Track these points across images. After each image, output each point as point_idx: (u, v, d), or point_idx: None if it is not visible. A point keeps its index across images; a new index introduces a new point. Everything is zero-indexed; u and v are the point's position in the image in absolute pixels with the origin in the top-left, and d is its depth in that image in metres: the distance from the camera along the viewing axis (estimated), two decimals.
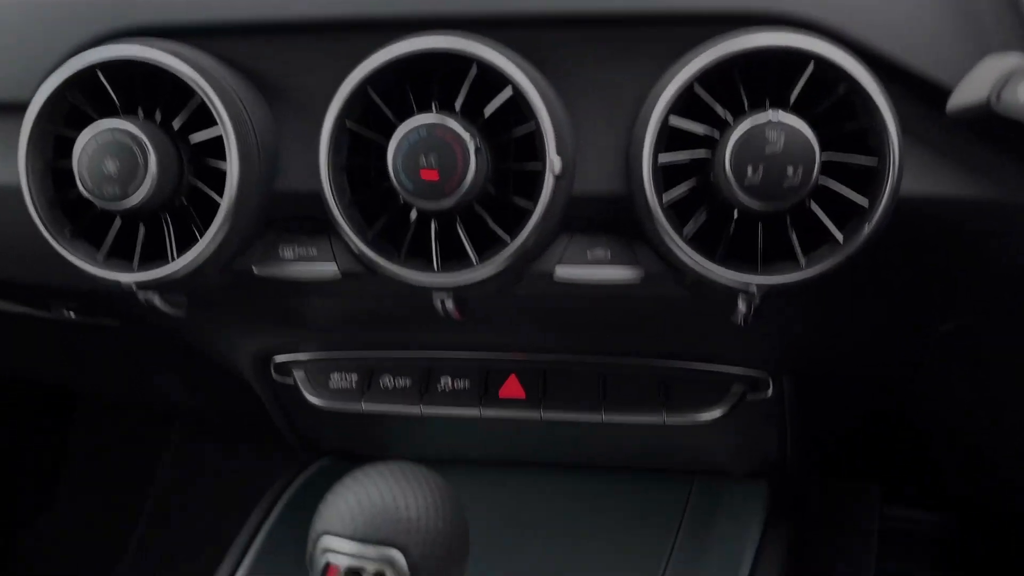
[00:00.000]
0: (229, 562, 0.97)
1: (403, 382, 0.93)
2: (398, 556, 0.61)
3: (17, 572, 2.03)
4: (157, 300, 0.77)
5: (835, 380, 0.89)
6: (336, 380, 0.94)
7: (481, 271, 0.71)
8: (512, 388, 0.92)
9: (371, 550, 0.61)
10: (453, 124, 0.66)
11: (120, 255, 0.75)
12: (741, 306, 0.72)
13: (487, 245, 0.72)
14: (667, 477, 1.07)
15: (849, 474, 1.62)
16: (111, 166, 0.69)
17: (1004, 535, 1.73)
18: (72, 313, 1.02)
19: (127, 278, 0.74)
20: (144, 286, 0.75)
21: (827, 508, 1.74)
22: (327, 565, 0.62)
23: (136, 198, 0.70)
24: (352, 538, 0.61)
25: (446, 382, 0.93)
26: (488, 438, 1.03)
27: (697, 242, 0.69)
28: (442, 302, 0.75)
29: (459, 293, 0.74)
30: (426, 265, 0.72)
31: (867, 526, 1.75)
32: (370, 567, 0.61)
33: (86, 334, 1.19)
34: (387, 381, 0.94)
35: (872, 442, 1.12)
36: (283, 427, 1.08)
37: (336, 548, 0.61)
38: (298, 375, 0.96)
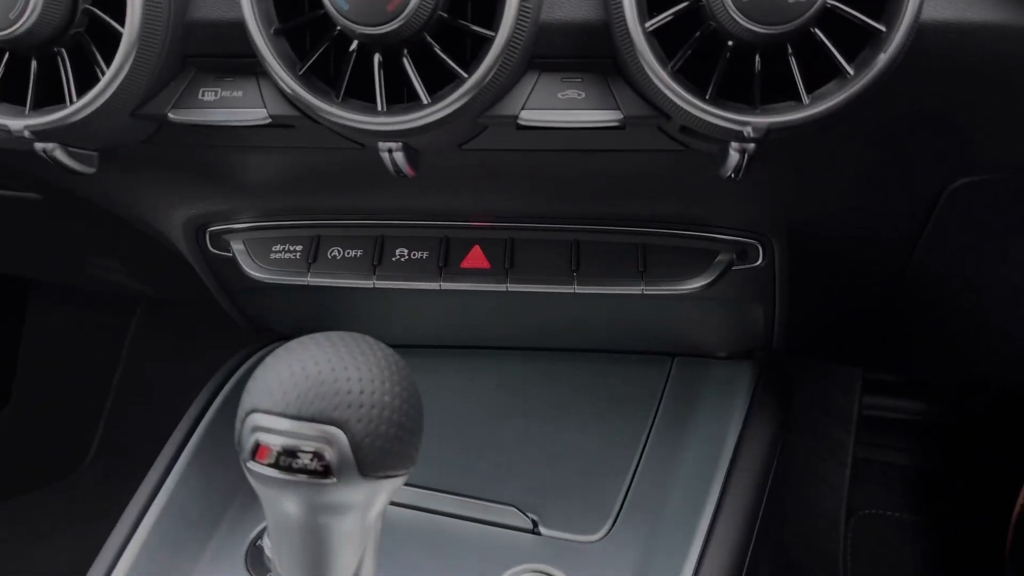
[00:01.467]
0: (165, 457, 0.90)
1: (353, 253, 0.84)
2: (338, 434, 0.52)
3: None
4: (61, 154, 0.67)
5: (830, 247, 0.81)
6: (278, 251, 0.85)
7: (433, 113, 0.61)
8: (475, 259, 0.83)
9: (307, 428, 0.52)
10: None
11: (14, 100, 0.65)
12: (733, 155, 0.62)
13: (440, 84, 0.62)
14: (646, 359, 1.00)
15: (832, 358, 1.59)
16: None
17: (982, 422, 1.73)
18: None
19: (17, 124, 0.63)
20: (41, 134, 0.64)
21: (808, 392, 1.72)
22: (257, 446, 0.54)
23: (20, 26, 0.60)
24: (285, 415, 0.53)
25: (402, 253, 0.83)
26: (451, 318, 0.95)
27: (685, 78, 0.59)
28: (390, 154, 0.65)
29: (409, 141, 0.64)
30: (370, 109, 0.62)
31: (847, 412, 1.74)
32: (306, 447, 0.53)
33: (11, 212, 1.08)
34: (335, 252, 0.84)
35: (857, 323, 1.05)
36: (228, 307, 0.99)
37: (267, 426, 0.53)
38: (236, 247, 0.86)
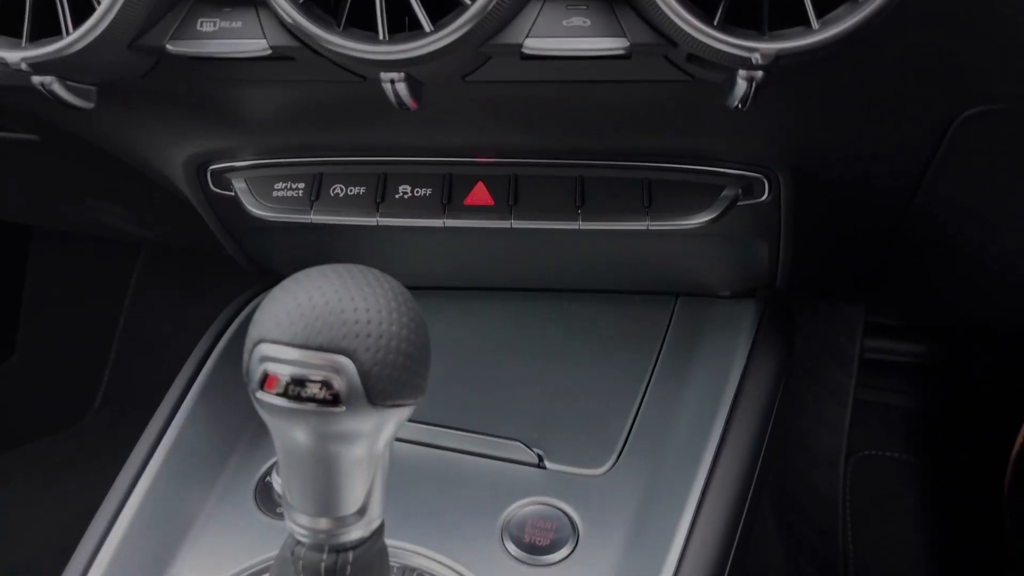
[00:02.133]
0: (172, 396, 0.90)
1: (356, 190, 0.83)
2: (347, 363, 0.53)
3: None
4: (59, 88, 0.66)
5: (836, 180, 0.81)
6: (281, 189, 0.84)
7: (435, 41, 0.60)
8: (479, 195, 0.82)
9: (315, 357, 0.52)
10: None
11: (11, 33, 0.64)
12: (740, 84, 0.61)
13: (443, 12, 0.60)
14: (649, 298, 1.01)
15: (835, 297, 1.59)
16: None
17: (981, 364, 1.74)
18: None
19: (14, 56, 0.62)
20: (38, 66, 0.63)
21: (810, 336, 1.73)
22: (265, 376, 0.54)
23: None
24: (292, 344, 0.53)
25: (405, 190, 0.83)
26: (455, 259, 0.95)
27: (692, 3, 0.58)
28: (393, 85, 0.64)
29: (411, 72, 0.63)
30: (371, 38, 0.61)
31: (849, 355, 1.75)
32: (315, 376, 0.53)
33: (10, 155, 1.07)
34: (338, 190, 0.83)
35: (861, 261, 1.05)
36: (231, 248, 0.99)
37: (275, 356, 0.53)
38: (238, 186, 0.85)
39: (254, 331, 0.54)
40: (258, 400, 0.55)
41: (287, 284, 0.56)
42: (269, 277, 1.05)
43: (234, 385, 0.93)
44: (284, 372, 0.53)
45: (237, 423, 0.89)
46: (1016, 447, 1.55)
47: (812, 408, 1.74)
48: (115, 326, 2.16)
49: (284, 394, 0.53)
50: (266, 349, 0.53)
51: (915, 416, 1.78)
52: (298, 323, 0.52)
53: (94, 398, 2.16)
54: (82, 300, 2.13)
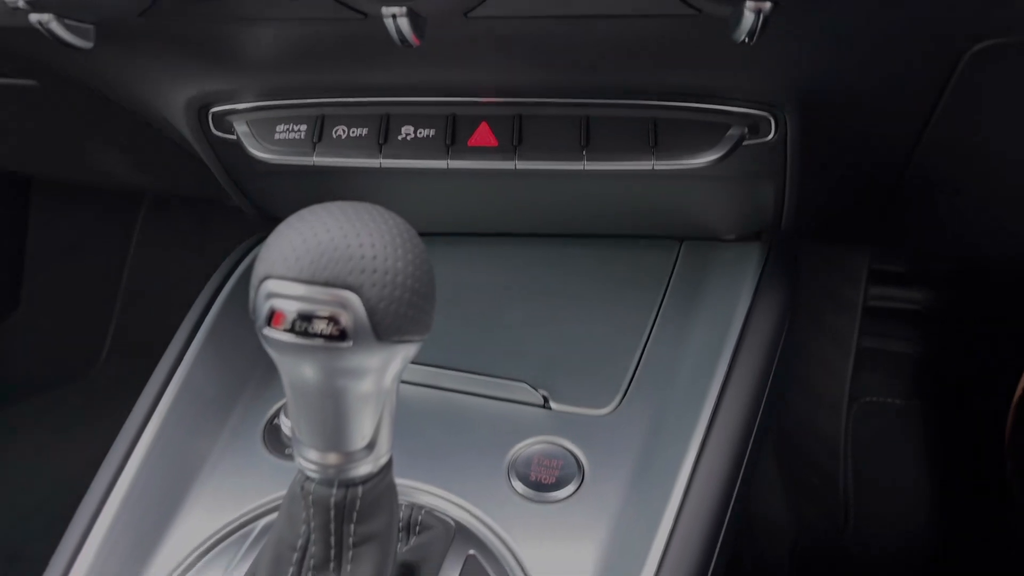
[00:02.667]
0: (178, 341, 0.91)
1: (358, 132, 0.82)
2: (353, 298, 0.53)
3: None
4: (56, 27, 0.65)
5: (843, 118, 0.80)
6: (283, 131, 0.83)
7: None
8: (483, 136, 0.81)
9: (322, 292, 0.52)
10: None
11: None
12: (748, 16, 0.60)
13: None
14: (654, 243, 1.00)
15: (840, 239, 1.58)
16: None
17: (984, 311, 1.74)
18: None
19: None
20: (36, 3, 0.62)
21: (814, 283, 1.73)
22: (272, 312, 0.54)
23: None
24: (299, 280, 0.53)
25: (408, 131, 0.82)
26: (459, 203, 0.94)
27: None
28: (395, 21, 0.63)
29: (413, 5, 0.62)
30: None
31: (853, 302, 1.75)
32: (322, 311, 0.53)
33: (8, 101, 1.06)
34: (340, 131, 0.83)
35: (868, 201, 1.04)
36: (233, 194, 0.98)
37: (282, 292, 0.53)
38: (240, 129, 0.85)
39: (260, 267, 0.54)
40: (265, 337, 0.55)
41: (292, 221, 0.56)
42: (272, 223, 1.05)
43: (240, 329, 0.93)
44: (291, 308, 0.53)
45: (244, 367, 0.89)
46: (1017, 396, 1.56)
47: (815, 355, 1.75)
48: (119, 278, 2.17)
49: (291, 330, 0.53)
50: (272, 285, 0.53)
51: (918, 363, 1.79)
52: (304, 259, 0.52)
53: (101, 350, 2.17)
54: (85, 253, 2.14)
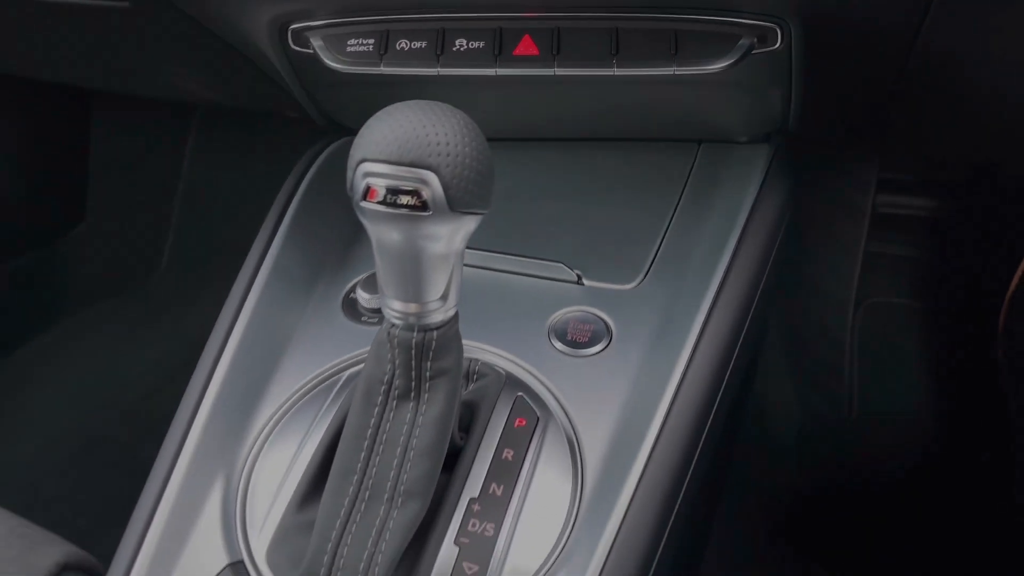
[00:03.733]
0: (267, 229, 1.05)
1: (419, 44, 0.95)
2: (432, 177, 0.66)
3: (58, 284, 2.17)
4: None
5: (842, 27, 0.90)
6: (353, 45, 0.96)
7: None
8: (526, 47, 0.94)
9: (407, 172, 0.65)
10: None
11: None
12: None
13: None
14: (676, 145, 1.13)
15: (847, 145, 1.68)
16: None
17: (988, 216, 1.83)
18: None
19: None
20: None
21: (824, 192, 1.83)
22: (368, 188, 0.68)
23: None
24: (389, 161, 0.66)
25: (461, 43, 0.95)
26: (504, 108, 1.07)
27: None
28: None
29: None
30: None
31: (861, 209, 1.85)
32: (407, 187, 0.66)
33: (97, 22, 1.19)
34: (403, 44, 0.95)
35: (870, 105, 1.15)
36: (304, 102, 1.11)
37: (375, 171, 0.66)
38: (316, 43, 0.98)
39: (356, 153, 0.68)
40: (361, 208, 0.69)
41: (381, 115, 0.69)
42: (336, 130, 1.18)
43: (316, 221, 1.08)
44: (382, 184, 0.66)
45: (322, 251, 1.04)
46: (1012, 286, 1.67)
47: (824, 259, 1.86)
48: (174, 189, 2.28)
49: (383, 202, 0.67)
50: (368, 167, 0.67)
51: (923, 266, 1.89)
52: (393, 145, 0.66)
53: (160, 259, 2.31)
54: (142, 165, 2.22)
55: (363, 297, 0.98)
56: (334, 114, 1.13)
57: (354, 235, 1.06)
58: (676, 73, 0.92)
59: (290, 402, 0.91)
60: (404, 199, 0.66)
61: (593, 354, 0.92)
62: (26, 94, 1.93)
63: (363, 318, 0.98)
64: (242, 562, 0.79)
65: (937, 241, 1.88)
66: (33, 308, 2.07)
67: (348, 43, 0.96)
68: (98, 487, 1.74)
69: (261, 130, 2.07)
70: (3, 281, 2.01)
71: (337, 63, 0.97)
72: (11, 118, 1.97)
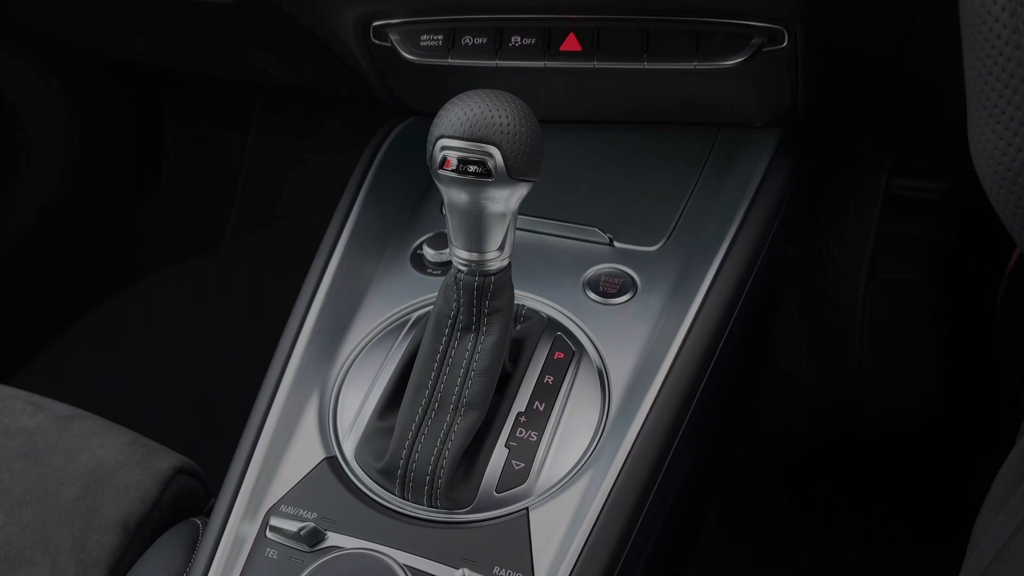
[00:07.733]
0: (348, 196, 1.24)
1: (480, 40, 1.13)
2: (495, 151, 0.83)
3: (135, 250, 2.36)
4: None
5: (839, 33, 1.05)
6: (425, 40, 1.15)
7: None
8: (571, 43, 1.11)
9: (476, 146, 0.83)
10: None
11: None
12: None
13: None
14: (698, 128, 1.29)
15: (861, 135, 1.80)
16: None
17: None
18: None
19: None
20: None
21: (840, 175, 1.96)
22: (444, 159, 0.85)
23: None
24: (461, 138, 0.84)
25: (516, 40, 1.12)
26: (550, 92, 1.24)
27: None
28: None
29: None
30: None
31: (875, 190, 1.97)
32: (475, 158, 0.84)
33: (200, 15, 1.37)
34: (467, 40, 1.13)
35: (874, 97, 1.29)
36: (378, 87, 1.30)
37: (451, 146, 0.84)
38: (394, 38, 1.16)
39: (435, 131, 0.86)
40: (438, 175, 0.87)
41: (455, 100, 0.87)
42: (406, 112, 1.37)
43: (390, 187, 1.27)
44: (456, 156, 0.84)
45: (394, 213, 1.23)
46: (1011, 263, 1.80)
47: (838, 235, 1.97)
48: (241, 163, 2.47)
49: (455, 170, 0.85)
50: (445, 142, 0.85)
51: (934, 245, 2.00)
52: (465, 124, 0.84)
53: (226, 227, 2.51)
54: (210, 139, 2.39)
55: (428, 253, 1.17)
56: (404, 97, 1.32)
57: (420, 200, 1.25)
58: (697, 67, 1.09)
59: (370, 336, 1.11)
60: (472, 168, 0.84)
61: (621, 303, 1.08)
62: (111, 77, 2.12)
63: (428, 270, 1.17)
64: (336, 457, 0.99)
65: (950, 221, 1.99)
66: (121, 262, 2.28)
67: (421, 38, 1.15)
68: (192, 412, 1.94)
69: (317, 112, 2.24)
70: (94, 239, 2.23)
71: (411, 55, 1.15)
72: (100, 99, 2.17)
